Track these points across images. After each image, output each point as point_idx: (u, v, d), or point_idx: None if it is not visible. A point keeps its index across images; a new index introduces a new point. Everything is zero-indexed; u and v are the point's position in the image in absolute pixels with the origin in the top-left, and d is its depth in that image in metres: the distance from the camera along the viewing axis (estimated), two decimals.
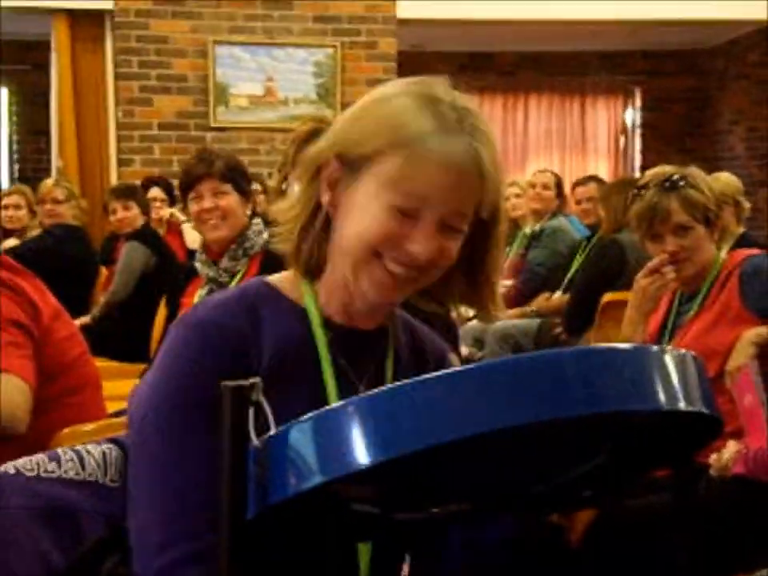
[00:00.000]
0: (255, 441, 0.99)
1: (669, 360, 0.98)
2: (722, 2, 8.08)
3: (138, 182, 6.49)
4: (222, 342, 1.26)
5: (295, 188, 1.37)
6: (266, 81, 7.67)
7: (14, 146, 9.89)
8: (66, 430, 1.84)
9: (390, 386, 0.94)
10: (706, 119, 10.46)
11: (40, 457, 1.44)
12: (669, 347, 1.03)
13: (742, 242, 4.25)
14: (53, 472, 1.43)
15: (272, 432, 1.00)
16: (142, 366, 2.97)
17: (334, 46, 7.67)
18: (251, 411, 1.01)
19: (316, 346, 1.32)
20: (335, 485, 0.95)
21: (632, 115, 10.80)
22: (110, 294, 5.30)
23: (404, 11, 7.77)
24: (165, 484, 1.23)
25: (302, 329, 1.33)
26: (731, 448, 2.25)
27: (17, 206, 5.98)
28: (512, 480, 1.19)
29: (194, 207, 3.12)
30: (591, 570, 2.07)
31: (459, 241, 1.29)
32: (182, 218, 6.00)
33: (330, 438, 0.95)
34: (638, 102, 10.74)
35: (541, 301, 5.54)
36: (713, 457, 2.27)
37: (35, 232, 5.76)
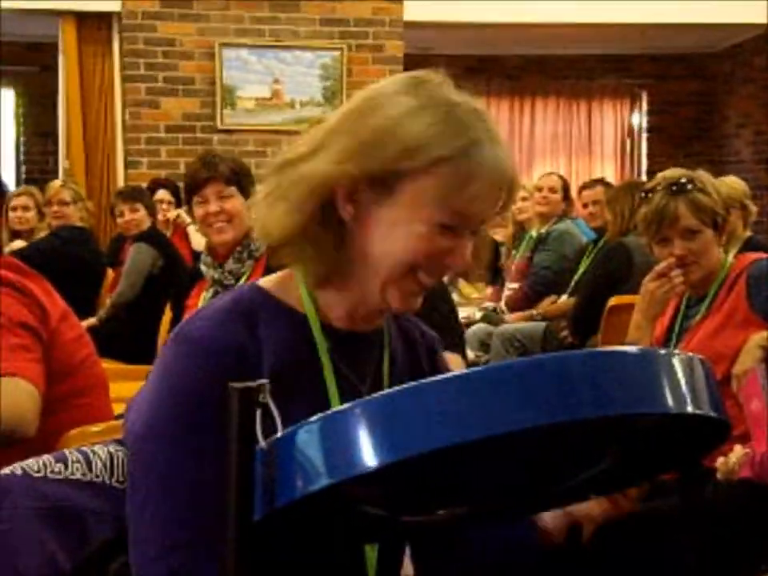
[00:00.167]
0: (262, 442, 0.99)
1: (677, 363, 0.98)
2: (729, 5, 8.08)
3: (144, 184, 6.51)
4: (222, 359, 1.23)
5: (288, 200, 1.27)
6: (272, 83, 7.68)
7: (21, 148, 9.90)
8: (73, 432, 1.84)
9: (397, 388, 0.94)
10: (712, 123, 10.45)
11: (47, 458, 1.45)
12: (677, 350, 1.03)
13: (748, 245, 4.24)
14: (60, 473, 1.43)
15: (279, 434, 0.99)
16: (149, 368, 2.97)
17: (341, 49, 7.68)
18: (258, 413, 1.00)
19: (316, 351, 1.30)
20: (342, 486, 0.95)
21: (638, 118, 10.79)
22: (117, 295, 5.31)
23: (411, 14, 7.77)
24: (173, 499, 1.21)
25: (300, 335, 1.30)
26: (738, 452, 2.25)
27: (25, 208, 5.97)
28: (518, 483, 1.19)
29: (199, 211, 3.12)
30: (599, 571, 2.07)
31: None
32: (188, 220, 6.01)
33: (337, 440, 0.94)
34: (645, 106, 10.73)
35: (547, 304, 5.53)
36: (720, 460, 2.27)
37: (43, 234, 5.76)
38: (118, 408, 2.23)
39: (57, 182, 6.13)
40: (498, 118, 10.28)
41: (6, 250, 4.93)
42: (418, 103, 1.23)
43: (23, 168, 9.87)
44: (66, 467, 1.44)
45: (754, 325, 2.51)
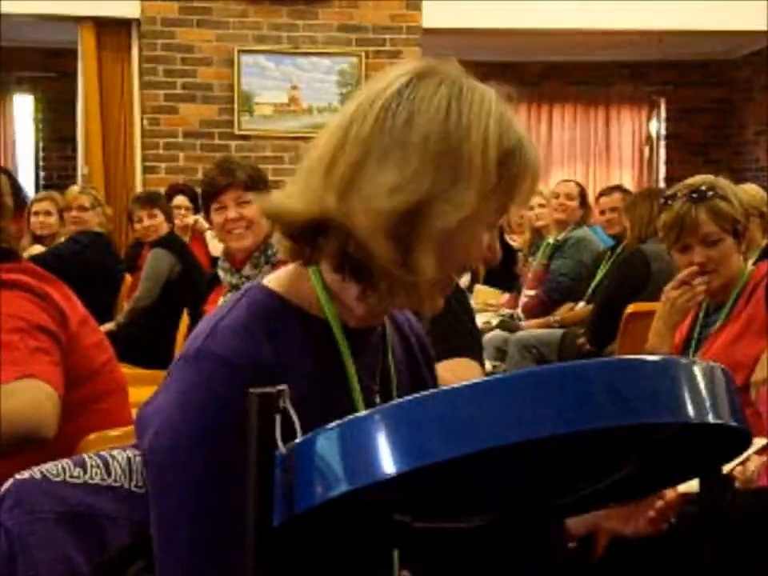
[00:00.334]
0: (282, 448, 0.99)
1: (698, 372, 0.97)
2: (749, 12, 8.05)
3: (162, 190, 6.53)
4: (248, 375, 1.16)
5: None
6: (290, 89, 7.70)
7: (40, 154, 9.96)
8: (92, 436, 1.84)
9: (416, 395, 0.93)
10: (730, 130, 10.41)
11: (66, 462, 1.45)
12: (697, 359, 1.03)
13: (767, 253, 4.22)
14: (78, 477, 1.44)
15: (298, 439, 0.99)
16: (166, 373, 2.97)
17: (359, 55, 7.69)
18: (278, 418, 1.00)
19: (337, 354, 1.27)
20: (362, 493, 0.95)
21: (657, 125, 10.76)
22: (135, 300, 5.32)
23: (429, 21, 7.78)
24: (203, 517, 1.17)
25: (318, 338, 1.26)
26: (756, 460, 2.24)
27: (47, 213, 5.99)
28: (537, 491, 1.18)
29: (217, 218, 3.11)
30: None
31: None
32: (206, 225, 6.02)
33: (357, 446, 0.94)
34: (663, 113, 10.70)
35: (564, 311, 5.52)
36: (738, 469, 2.26)
37: (63, 239, 5.79)
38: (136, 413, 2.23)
39: (76, 188, 6.15)
40: None
41: (25, 255, 4.95)
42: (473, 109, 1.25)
43: (42, 174, 9.92)
44: (85, 472, 1.45)
45: None
